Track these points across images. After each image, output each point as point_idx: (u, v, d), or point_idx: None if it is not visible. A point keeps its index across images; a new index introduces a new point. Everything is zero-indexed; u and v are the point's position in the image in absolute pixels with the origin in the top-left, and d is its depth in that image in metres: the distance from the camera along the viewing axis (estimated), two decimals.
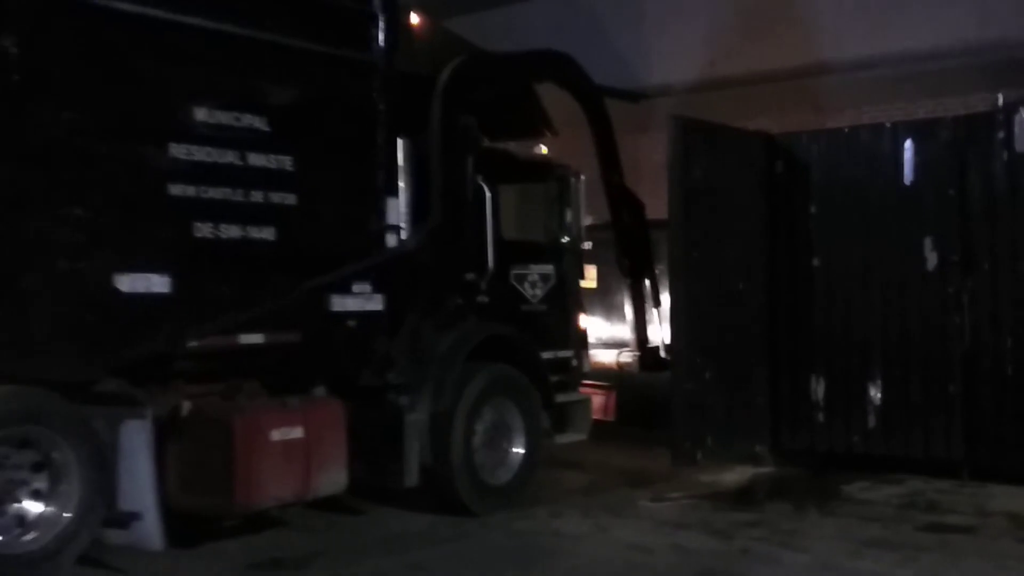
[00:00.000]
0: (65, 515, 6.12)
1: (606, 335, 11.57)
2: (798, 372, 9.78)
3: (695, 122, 9.41)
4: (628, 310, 10.57)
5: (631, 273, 10.14)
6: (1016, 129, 8.84)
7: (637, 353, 10.38)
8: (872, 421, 9.44)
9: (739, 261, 9.69)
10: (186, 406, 6.72)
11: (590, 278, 10.38)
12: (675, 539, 7.46)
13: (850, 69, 12.77)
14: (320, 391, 7.52)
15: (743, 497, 8.70)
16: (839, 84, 12.96)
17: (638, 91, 10.89)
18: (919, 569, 6.61)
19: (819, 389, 9.72)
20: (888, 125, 9.78)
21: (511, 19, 12.52)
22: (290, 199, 7.10)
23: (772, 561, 6.82)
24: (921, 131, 9.46)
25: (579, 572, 6.74)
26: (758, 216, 9.89)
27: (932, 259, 9.21)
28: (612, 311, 11.67)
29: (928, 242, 9.22)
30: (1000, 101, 9.22)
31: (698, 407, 9.17)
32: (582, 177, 9.51)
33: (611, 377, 11.11)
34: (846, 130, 10.15)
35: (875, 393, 9.46)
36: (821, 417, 9.68)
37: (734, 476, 9.44)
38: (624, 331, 11.16)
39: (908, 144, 9.37)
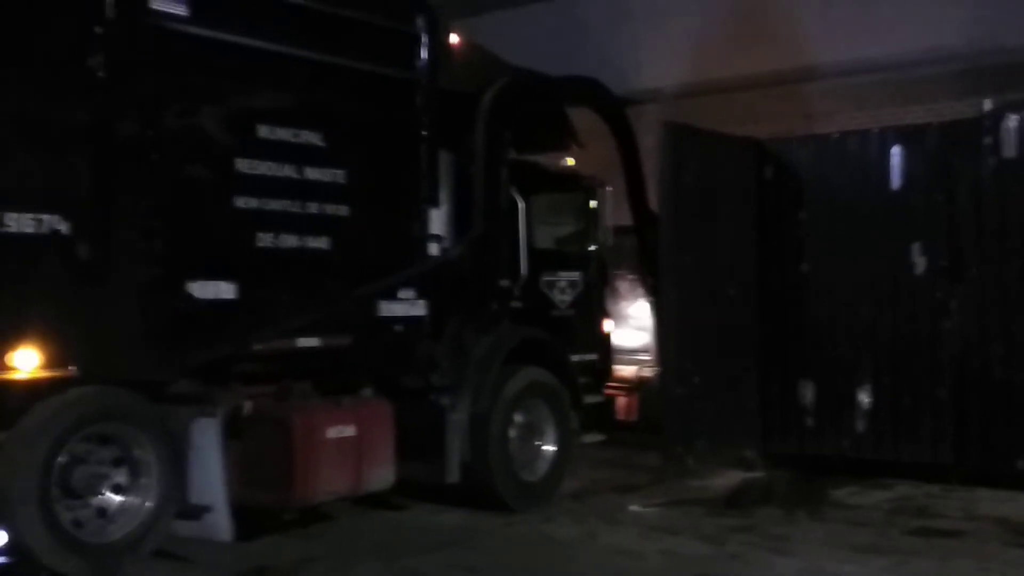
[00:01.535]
0: (143, 508, 6.85)
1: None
2: (788, 377, 10.16)
3: (685, 128, 9.74)
4: (652, 327, 11.36)
5: (654, 291, 10.82)
6: (1003, 135, 9.23)
7: (659, 368, 10.92)
8: (861, 426, 9.80)
9: (729, 266, 10.09)
10: (247, 406, 7.52)
11: None
12: (665, 544, 7.92)
13: (839, 74, 12.96)
14: (367, 392, 8.38)
15: (733, 502, 8.87)
16: (828, 90, 13.15)
17: (627, 96, 10.96)
18: (908, 574, 7.09)
19: (808, 394, 10.06)
20: (876, 131, 10.22)
21: (501, 25, 12.64)
22: (342, 210, 7.91)
23: (762, 566, 7.21)
24: (909, 137, 9.91)
25: None
26: (747, 221, 10.30)
27: (920, 264, 9.57)
28: None
29: (916, 248, 9.62)
30: (987, 107, 9.31)
31: (688, 412, 9.24)
32: (608, 188, 10.37)
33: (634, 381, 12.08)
34: (835, 136, 10.64)
35: (864, 398, 9.80)
36: (810, 422, 10.06)
37: (724, 481, 9.96)
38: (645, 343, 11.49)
39: (896, 150, 9.72)
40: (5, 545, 6.46)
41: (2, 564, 6.60)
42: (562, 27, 14.68)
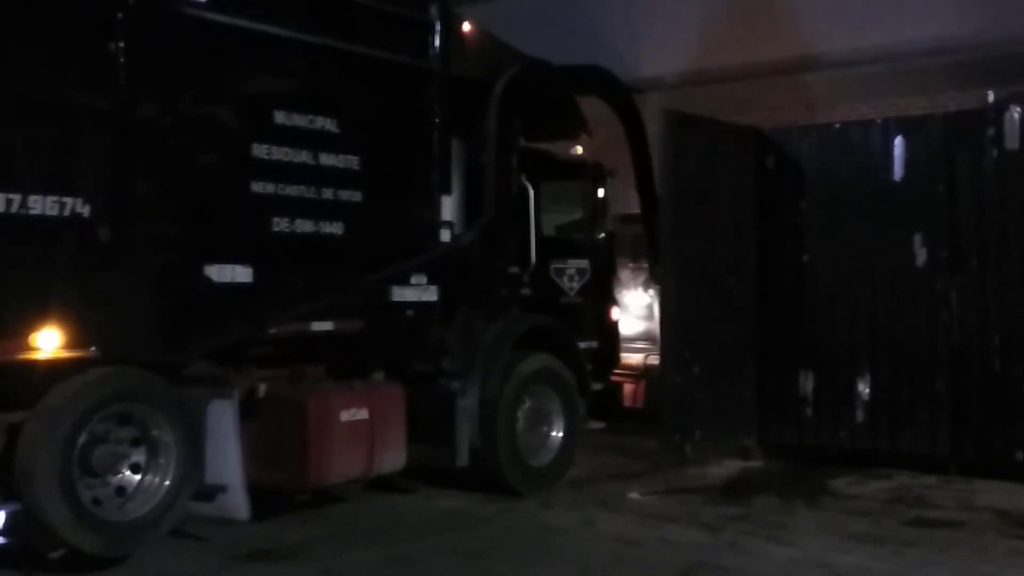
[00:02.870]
0: (161, 487, 7.08)
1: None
2: (787, 367, 10.34)
3: (687, 116, 9.89)
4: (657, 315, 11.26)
5: (660, 279, 10.92)
6: (1006, 127, 9.37)
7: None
8: (860, 416, 9.97)
9: (729, 256, 10.24)
10: (262, 388, 7.78)
11: None
12: (663, 532, 8.08)
13: (842, 64, 13.03)
14: (378, 376, 8.63)
15: (731, 491, 8.95)
16: (831, 80, 13.22)
17: (629, 84, 10.97)
18: (904, 563, 7.09)
19: (807, 384, 10.21)
20: (879, 121, 10.39)
21: (502, 11, 12.62)
22: (356, 196, 8.13)
23: (759, 555, 7.36)
24: (911, 128, 10.06)
25: (568, 566, 7.17)
26: (748, 211, 10.38)
27: (921, 256, 9.71)
28: None
29: (917, 239, 9.76)
30: (990, 98, 9.35)
31: (687, 401, 9.31)
32: (615, 176, 10.70)
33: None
34: (837, 126, 10.80)
35: (863, 388, 9.95)
36: (809, 412, 10.19)
37: (722, 470, 10.15)
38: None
39: (898, 141, 9.85)
40: (5, 524, 6.73)
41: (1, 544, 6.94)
42: (563, 14, 14.71)
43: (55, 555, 6.66)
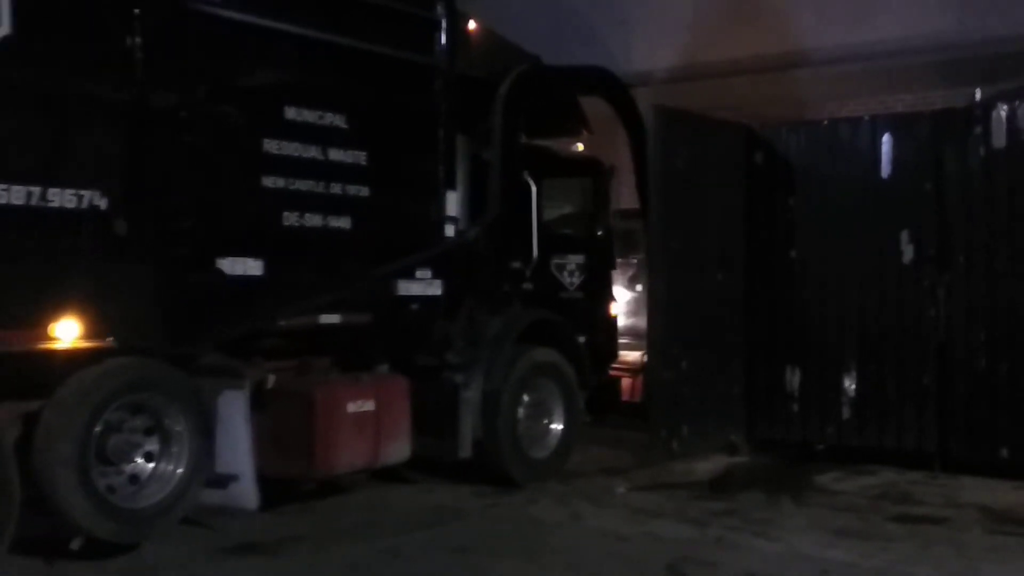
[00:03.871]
0: (174, 475, 7.30)
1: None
2: (774, 363, 10.43)
3: (677, 112, 9.98)
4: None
5: None
6: (993, 125, 9.49)
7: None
8: (846, 412, 10.05)
9: (717, 252, 10.44)
10: (271, 379, 7.98)
11: None
12: (650, 527, 8.18)
13: (830, 61, 13.08)
14: (383, 369, 8.85)
15: (717, 486, 9.03)
16: (820, 77, 13.26)
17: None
18: (890, 559, 7.19)
19: (794, 380, 10.35)
20: (866, 119, 10.51)
21: (491, 6, 12.59)
22: (364, 191, 8.34)
23: (745, 550, 7.45)
24: (899, 125, 10.17)
25: (554, 560, 7.23)
26: (737, 207, 10.53)
27: (908, 252, 9.82)
28: None
29: (905, 235, 9.91)
30: (978, 96, 9.40)
31: (675, 396, 9.34)
32: (615, 173, 10.92)
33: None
34: (825, 123, 10.96)
35: (850, 385, 10.06)
36: (796, 408, 10.19)
37: (709, 465, 10.25)
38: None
39: (886, 138, 9.94)
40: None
41: None
42: (554, 8, 14.74)
43: (75, 545, 6.79)
